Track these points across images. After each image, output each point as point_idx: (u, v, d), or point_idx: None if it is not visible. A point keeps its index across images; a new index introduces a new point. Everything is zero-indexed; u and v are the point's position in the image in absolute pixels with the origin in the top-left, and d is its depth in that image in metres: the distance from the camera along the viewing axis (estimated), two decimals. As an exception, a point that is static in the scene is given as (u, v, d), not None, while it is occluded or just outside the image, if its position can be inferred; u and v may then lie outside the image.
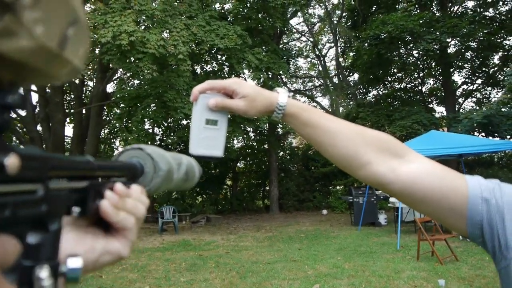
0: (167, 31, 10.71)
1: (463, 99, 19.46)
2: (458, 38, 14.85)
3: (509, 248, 0.64)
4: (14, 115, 15.93)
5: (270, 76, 14.81)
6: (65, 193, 0.36)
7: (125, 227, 0.44)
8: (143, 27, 10.61)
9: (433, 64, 17.53)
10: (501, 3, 15.46)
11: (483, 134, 13.77)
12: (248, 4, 14.23)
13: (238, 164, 21.46)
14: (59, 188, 0.34)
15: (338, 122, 0.77)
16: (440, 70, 17.12)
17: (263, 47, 15.12)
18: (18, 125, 16.04)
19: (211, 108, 0.75)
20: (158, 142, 16.99)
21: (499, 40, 16.04)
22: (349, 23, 20.19)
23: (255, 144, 20.82)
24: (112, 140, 21.21)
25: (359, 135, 0.75)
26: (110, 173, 0.44)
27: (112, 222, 0.43)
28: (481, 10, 15.55)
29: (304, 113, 0.77)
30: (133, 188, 0.46)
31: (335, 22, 22.82)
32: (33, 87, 15.76)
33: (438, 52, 15.45)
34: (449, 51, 16.45)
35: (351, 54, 20.50)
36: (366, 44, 15.52)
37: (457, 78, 19.10)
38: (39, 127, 15.81)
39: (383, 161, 0.73)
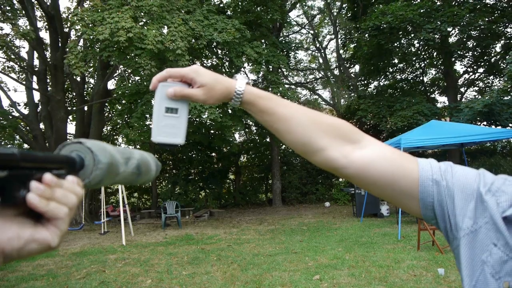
0: (165, 26, 10.70)
1: (465, 89, 19.35)
2: (458, 27, 14.72)
3: (459, 228, 0.65)
4: (17, 114, 16.09)
5: (270, 69, 14.77)
6: None
7: (56, 216, 0.45)
8: (141, 23, 10.60)
9: (435, 53, 17.39)
10: (502, -10, 15.28)
11: (485, 123, 13.70)
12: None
13: (241, 158, 21.52)
14: None
15: (294, 108, 0.77)
16: (442, 60, 17.00)
17: (262, 41, 15.06)
18: (21, 123, 16.15)
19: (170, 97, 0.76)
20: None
21: (501, 28, 15.87)
22: (349, 14, 20.07)
23: (257, 138, 20.86)
24: (115, 137, 21.30)
25: (313, 121, 0.76)
26: (42, 165, 0.44)
27: (41, 212, 0.44)
28: (482, -2, 15.37)
29: (260, 100, 0.78)
30: (67, 179, 0.48)
31: (335, 13, 22.72)
32: (34, 86, 15.87)
33: (439, 41, 15.33)
34: (450, 40, 16.31)
35: (352, 45, 20.40)
36: (366, 35, 15.42)
37: (459, 67, 18.97)
38: (41, 125, 15.90)
39: (336, 147, 0.74)
